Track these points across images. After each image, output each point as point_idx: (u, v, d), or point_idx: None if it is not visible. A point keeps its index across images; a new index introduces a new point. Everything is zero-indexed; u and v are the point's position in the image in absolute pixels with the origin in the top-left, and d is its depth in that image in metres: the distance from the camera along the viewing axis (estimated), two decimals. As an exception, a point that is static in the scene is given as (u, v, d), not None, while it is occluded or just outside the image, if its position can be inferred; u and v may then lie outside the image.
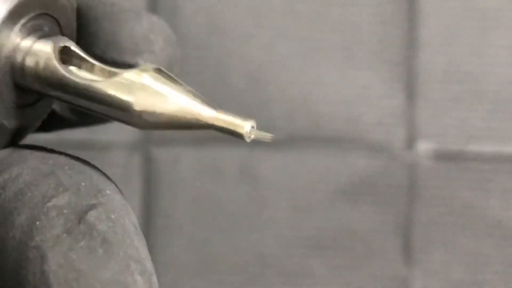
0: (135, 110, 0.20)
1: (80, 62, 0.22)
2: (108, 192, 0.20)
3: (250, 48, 0.51)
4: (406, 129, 0.51)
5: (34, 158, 0.21)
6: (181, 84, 0.20)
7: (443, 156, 0.51)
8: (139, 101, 0.20)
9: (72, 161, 0.21)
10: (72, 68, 0.22)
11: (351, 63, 0.52)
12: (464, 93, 0.51)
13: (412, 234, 0.51)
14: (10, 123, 0.22)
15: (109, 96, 0.21)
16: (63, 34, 0.23)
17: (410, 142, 0.51)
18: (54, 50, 0.21)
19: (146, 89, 0.20)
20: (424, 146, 0.51)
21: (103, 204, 0.19)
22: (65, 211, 0.19)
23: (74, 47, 0.22)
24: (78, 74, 0.21)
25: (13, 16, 0.21)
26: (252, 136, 0.20)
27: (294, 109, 0.51)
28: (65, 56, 0.22)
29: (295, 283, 0.51)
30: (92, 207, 0.19)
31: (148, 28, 0.24)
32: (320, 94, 0.51)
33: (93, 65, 0.22)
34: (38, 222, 0.19)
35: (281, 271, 0.51)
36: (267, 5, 0.52)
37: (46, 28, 0.22)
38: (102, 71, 0.21)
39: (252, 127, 0.20)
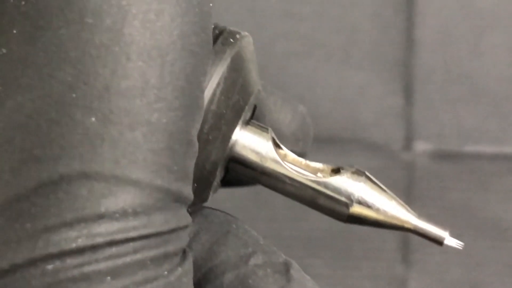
0: (345, 215, 0.21)
1: (278, 152, 0.22)
2: (272, 246, 0.21)
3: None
4: (404, 129, 0.51)
5: (195, 216, 0.21)
6: (386, 191, 0.21)
7: (440, 156, 0.51)
8: (353, 209, 0.21)
9: (226, 216, 0.22)
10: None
11: (349, 64, 0.52)
12: (461, 94, 0.52)
13: (410, 234, 0.51)
14: (210, 196, 0.22)
15: (323, 196, 0.21)
16: (253, 117, 0.23)
17: (408, 142, 0.51)
18: (272, 142, 0.21)
19: (361, 201, 0.21)
20: (422, 146, 0.51)
21: (289, 261, 0.20)
22: (268, 270, 0.20)
23: (275, 137, 0.22)
24: (289, 167, 0.21)
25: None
26: (447, 243, 0.22)
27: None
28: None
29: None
30: (287, 265, 0.20)
31: (301, 121, 0.25)
32: (319, 95, 0.52)
33: (286, 155, 0.22)
34: (250, 281, 0.19)
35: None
36: (266, 5, 0.52)
37: (248, 113, 0.22)
38: (297, 162, 0.22)
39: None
